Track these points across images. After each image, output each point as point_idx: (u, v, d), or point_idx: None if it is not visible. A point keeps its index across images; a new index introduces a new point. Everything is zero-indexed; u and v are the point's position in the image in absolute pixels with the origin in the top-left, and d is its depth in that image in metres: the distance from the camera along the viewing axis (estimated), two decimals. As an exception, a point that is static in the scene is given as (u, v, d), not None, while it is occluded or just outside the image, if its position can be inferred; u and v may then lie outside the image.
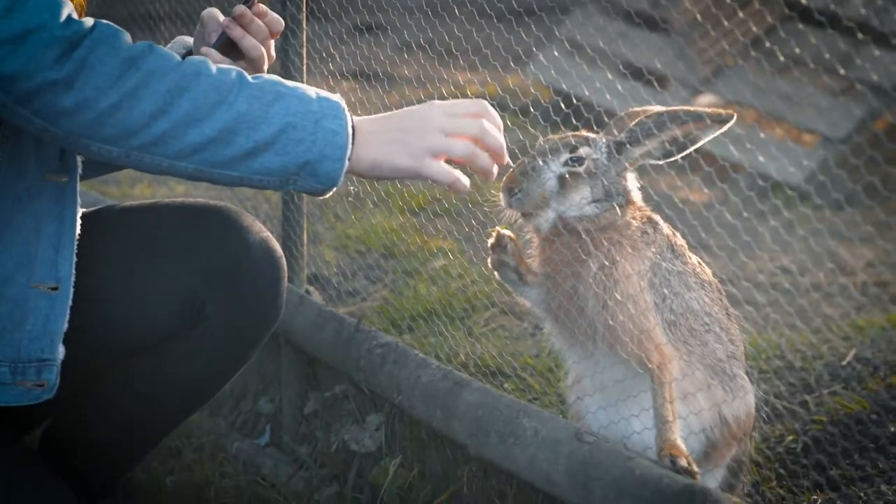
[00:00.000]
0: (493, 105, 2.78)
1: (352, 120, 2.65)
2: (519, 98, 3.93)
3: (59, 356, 2.84)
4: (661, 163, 3.08)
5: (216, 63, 2.83)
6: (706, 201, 6.50)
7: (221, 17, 3.01)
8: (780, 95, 7.28)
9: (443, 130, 2.70)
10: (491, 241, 3.23)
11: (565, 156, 3.09)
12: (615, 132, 3.14)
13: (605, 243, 3.02)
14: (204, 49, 2.97)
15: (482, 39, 3.85)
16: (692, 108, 3.04)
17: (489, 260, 3.24)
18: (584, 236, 3.03)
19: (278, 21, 3.03)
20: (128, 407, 3.15)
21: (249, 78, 2.62)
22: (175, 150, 2.54)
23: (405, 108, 2.76)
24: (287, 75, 4.11)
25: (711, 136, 3.01)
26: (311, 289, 4.29)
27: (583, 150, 3.10)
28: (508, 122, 3.06)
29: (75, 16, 2.52)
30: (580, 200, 3.08)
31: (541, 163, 3.09)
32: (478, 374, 3.85)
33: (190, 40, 3.12)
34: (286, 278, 3.15)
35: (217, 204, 3.14)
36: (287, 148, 2.57)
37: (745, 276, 5.33)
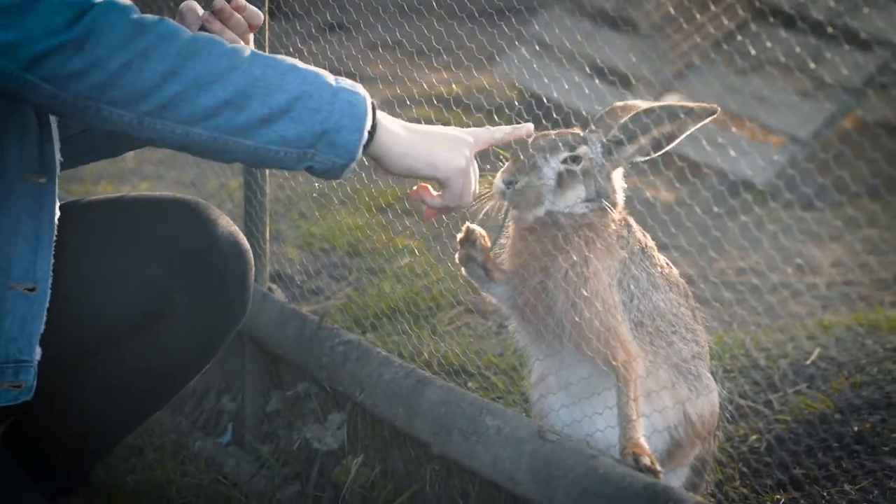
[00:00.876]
0: (464, 105, 2.82)
1: (373, 102, 2.66)
2: (492, 98, 3.92)
3: (37, 357, 2.80)
4: (642, 159, 3.08)
5: None
6: (674, 199, 6.50)
7: (200, 11, 2.99)
8: (748, 94, 7.29)
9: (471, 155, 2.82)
10: (460, 235, 3.21)
11: (564, 154, 3.07)
12: (603, 130, 3.13)
13: (578, 239, 3.00)
14: None
15: (453, 41, 3.83)
16: (677, 104, 3.03)
17: (457, 255, 3.22)
18: (557, 231, 3.01)
19: (257, 15, 3.00)
20: (93, 402, 3.12)
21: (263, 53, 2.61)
22: (187, 114, 2.51)
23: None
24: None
25: (690, 131, 3.01)
26: (274, 286, 4.26)
27: (581, 150, 3.08)
28: (483, 121, 3.06)
29: None
30: (575, 199, 3.06)
31: (541, 159, 3.07)
32: (441, 373, 3.83)
33: None
34: (253, 272, 3.14)
35: (185, 197, 3.12)
36: (303, 116, 2.55)
37: (713, 273, 5.33)
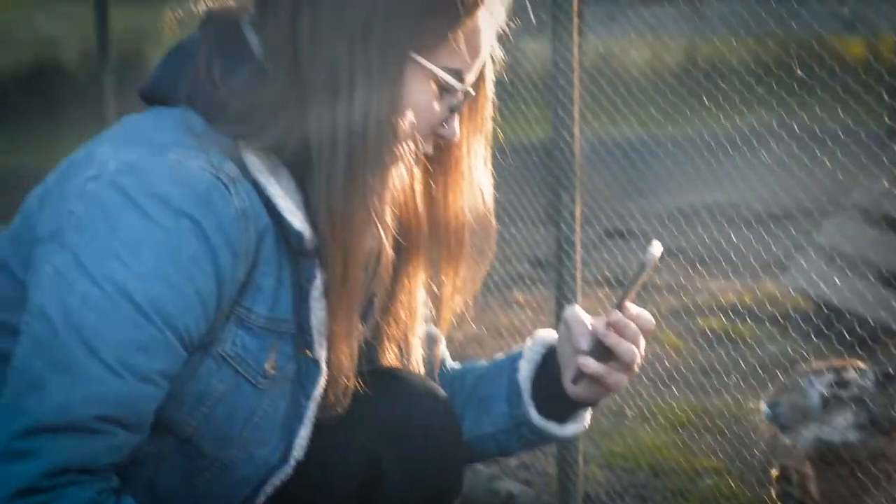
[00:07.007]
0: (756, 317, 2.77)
1: None
2: (777, 305, 3.87)
3: None
4: None
5: (591, 371, 2.60)
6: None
7: (587, 319, 2.71)
8: None
9: None
10: (774, 472, 3.17)
11: (830, 377, 3.00)
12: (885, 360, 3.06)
13: (880, 475, 2.90)
14: (581, 360, 2.62)
15: (741, 245, 3.80)
16: None
17: (773, 492, 3.17)
18: (854, 469, 2.93)
19: (650, 321, 2.76)
20: None
21: None
22: None
23: None
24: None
25: None
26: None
27: (849, 375, 3.00)
28: (776, 335, 3.03)
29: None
30: (843, 424, 2.97)
31: (804, 381, 3.02)
32: None
33: (553, 337, 2.84)
34: (461, 429, 2.89)
35: None
36: None
37: None
